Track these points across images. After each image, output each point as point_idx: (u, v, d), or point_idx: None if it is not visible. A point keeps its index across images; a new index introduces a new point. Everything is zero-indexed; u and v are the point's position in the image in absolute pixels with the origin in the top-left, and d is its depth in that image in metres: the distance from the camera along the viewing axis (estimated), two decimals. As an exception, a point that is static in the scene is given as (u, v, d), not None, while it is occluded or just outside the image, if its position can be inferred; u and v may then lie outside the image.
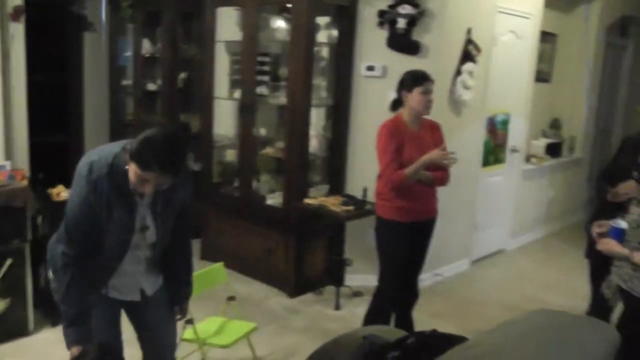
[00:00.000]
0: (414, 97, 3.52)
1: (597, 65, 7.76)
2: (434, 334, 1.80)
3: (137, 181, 2.19)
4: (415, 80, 3.53)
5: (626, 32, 8.73)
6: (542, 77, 6.92)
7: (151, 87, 6.20)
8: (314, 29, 4.57)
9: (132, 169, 2.17)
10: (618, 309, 3.24)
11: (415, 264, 3.78)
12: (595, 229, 2.84)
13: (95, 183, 2.24)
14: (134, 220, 2.35)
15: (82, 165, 2.29)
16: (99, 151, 2.33)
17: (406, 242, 3.61)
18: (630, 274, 2.69)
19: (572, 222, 7.86)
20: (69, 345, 2.29)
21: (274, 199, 4.89)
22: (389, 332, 2.19)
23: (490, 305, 5.01)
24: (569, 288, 5.55)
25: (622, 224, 2.72)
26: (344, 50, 4.84)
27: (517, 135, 6.32)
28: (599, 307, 3.55)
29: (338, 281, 4.70)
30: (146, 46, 6.12)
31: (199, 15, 5.48)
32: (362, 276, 4.98)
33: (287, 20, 4.86)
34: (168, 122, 5.70)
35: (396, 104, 3.66)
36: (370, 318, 3.78)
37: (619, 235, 2.70)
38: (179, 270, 2.63)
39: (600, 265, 3.50)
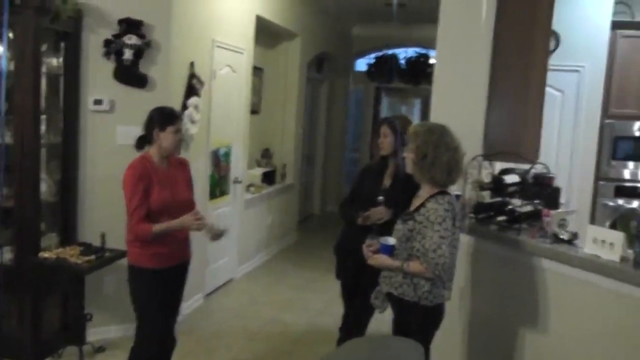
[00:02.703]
0: (166, 136, 3.39)
1: (300, 97, 8.39)
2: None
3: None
4: (167, 119, 3.41)
5: (322, 67, 9.66)
6: (253, 109, 7.25)
7: None
8: (40, 57, 4.12)
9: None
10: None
11: (173, 310, 3.63)
12: (366, 249, 3.05)
13: None
14: None
15: None
16: None
17: (163, 289, 3.46)
18: (400, 281, 2.95)
19: (289, 244, 8.37)
20: None
21: (2, 256, 4.23)
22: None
23: (235, 335, 5.04)
24: (302, 306, 5.88)
25: (391, 240, 2.98)
26: (69, 81, 4.45)
27: (239, 166, 6.52)
28: (351, 321, 3.82)
29: (80, 339, 4.26)
30: None
31: None
32: (103, 329, 4.66)
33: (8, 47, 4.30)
34: None
35: (142, 142, 3.49)
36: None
37: (389, 250, 2.96)
38: None
39: (351, 283, 3.78)
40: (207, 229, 3.47)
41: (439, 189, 2.94)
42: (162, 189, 3.39)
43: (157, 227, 3.32)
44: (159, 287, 3.44)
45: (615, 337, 2.80)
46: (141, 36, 4.48)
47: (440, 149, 2.91)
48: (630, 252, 2.74)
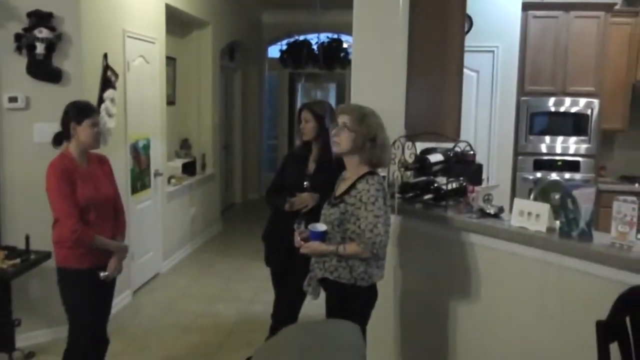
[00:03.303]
0: (84, 130, 3.27)
1: (214, 86, 8.29)
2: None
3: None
4: (83, 112, 3.29)
5: (234, 56, 9.55)
6: (169, 99, 7.12)
7: None
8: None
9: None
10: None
11: (104, 309, 3.53)
12: (297, 237, 3.06)
13: None
14: None
15: None
16: None
17: (93, 289, 3.36)
18: (335, 265, 2.98)
19: (214, 234, 8.30)
20: None
21: None
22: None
23: (166, 330, 4.97)
24: (232, 295, 5.86)
25: (320, 227, 2.99)
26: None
27: (158, 158, 6.39)
28: (284, 307, 3.84)
29: (9, 346, 4.08)
30: None
31: None
32: (32, 334, 4.50)
33: None
34: None
35: (60, 139, 3.36)
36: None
37: (321, 236, 2.97)
38: None
39: (281, 270, 3.80)
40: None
41: (368, 169, 2.99)
42: (85, 185, 3.28)
43: (98, 240, 3.30)
44: (89, 287, 3.34)
45: (543, 303, 2.95)
46: (52, 29, 4.31)
47: (384, 131, 2.99)
48: (557, 222, 2.88)
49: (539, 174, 5.94)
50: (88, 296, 3.35)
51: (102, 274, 3.35)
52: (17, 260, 3.81)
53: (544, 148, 6.06)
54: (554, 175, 5.78)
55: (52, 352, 4.32)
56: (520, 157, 6.03)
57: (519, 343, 3.08)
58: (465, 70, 4.31)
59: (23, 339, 4.39)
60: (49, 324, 4.55)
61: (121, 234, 3.57)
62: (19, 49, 4.29)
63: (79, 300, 3.35)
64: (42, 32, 4.23)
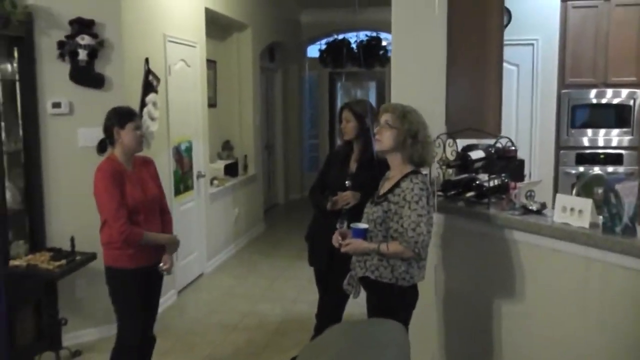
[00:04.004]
0: (127, 134, 3.37)
1: (255, 88, 8.36)
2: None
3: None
4: (125, 116, 3.41)
5: (274, 56, 9.61)
6: (210, 102, 7.20)
7: None
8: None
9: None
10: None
11: (152, 308, 3.62)
12: (338, 236, 3.07)
13: None
14: None
15: None
16: None
17: (141, 288, 3.45)
18: (376, 264, 2.97)
19: (257, 234, 8.36)
20: None
21: None
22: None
23: (211, 330, 5.03)
24: (276, 295, 5.90)
25: (362, 225, 3.00)
26: (25, 86, 4.34)
27: (200, 160, 6.47)
28: (328, 307, 3.84)
29: (56, 345, 4.21)
30: None
31: None
32: (78, 333, 4.60)
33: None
34: None
35: (104, 145, 3.46)
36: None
37: (362, 234, 2.97)
38: None
39: (324, 269, 3.81)
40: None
41: (412, 168, 2.98)
42: (133, 187, 3.39)
43: (147, 236, 3.38)
44: (139, 286, 3.44)
45: (587, 300, 2.88)
46: (94, 36, 4.41)
47: (427, 128, 2.99)
48: (600, 217, 2.81)
49: (581, 168, 5.80)
50: (136, 295, 3.44)
51: (161, 267, 3.48)
52: (63, 262, 3.92)
53: (586, 141, 5.92)
54: (596, 169, 5.63)
55: (97, 350, 4.44)
56: (562, 152, 5.90)
57: (562, 341, 3.02)
58: (505, 65, 4.25)
59: (70, 338, 4.50)
60: (94, 323, 4.67)
61: (169, 232, 3.67)
62: (61, 56, 4.40)
63: (127, 299, 3.44)
64: (85, 39, 4.33)
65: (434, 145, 3.09)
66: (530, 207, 3.19)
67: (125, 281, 3.41)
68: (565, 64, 5.78)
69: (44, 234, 4.48)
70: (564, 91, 5.81)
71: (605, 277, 2.78)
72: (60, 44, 4.38)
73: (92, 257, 4.04)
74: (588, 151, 5.90)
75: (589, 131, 5.91)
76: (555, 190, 5.50)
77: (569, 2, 5.69)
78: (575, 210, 2.88)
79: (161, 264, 3.49)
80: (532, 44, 5.65)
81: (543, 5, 5.53)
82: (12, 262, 3.93)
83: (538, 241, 3.08)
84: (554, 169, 5.86)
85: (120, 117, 3.39)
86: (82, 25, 4.38)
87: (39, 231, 4.45)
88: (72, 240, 4.07)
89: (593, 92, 5.84)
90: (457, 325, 3.70)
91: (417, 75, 4.00)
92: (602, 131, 5.89)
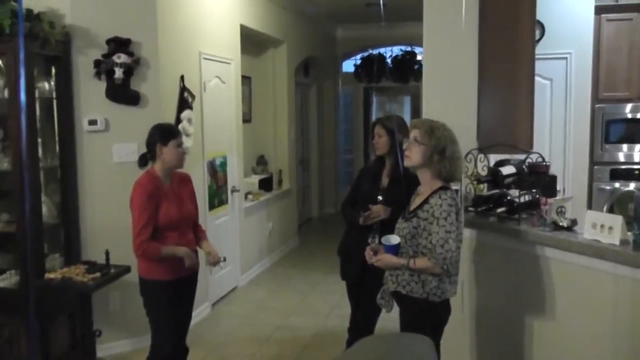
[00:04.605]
0: (170, 150, 3.47)
1: (290, 103, 8.43)
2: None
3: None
4: (169, 133, 3.52)
5: (309, 71, 9.69)
6: (244, 117, 7.28)
7: None
8: (33, 83, 4.14)
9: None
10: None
11: (185, 319, 3.68)
12: (370, 252, 3.09)
13: None
14: None
15: None
16: None
17: (174, 299, 3.53)
18: (407, 279, 2.99)
19: (291, 248, 8.40)
20: None
21: (7, 280, 4.22)
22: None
23: (244, 343, 5.07)
24: (309, 309, 5.91)
25: (394, 239, 3.01)
26: (62, 104, 4.47)
27: (235, 175, 6.55)
28: (360, 321, 3.85)
29: (90, 355, 4.29)
30: None
31: None
32: (112, 344, 4.69)
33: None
34: None
35: (144, 160, 3.56)
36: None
37: (393, 250, 3.00)
38: None
39: (356, 284, 3.82)
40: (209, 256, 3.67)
41: (442, 184, 2.98)
42: (169, 205, 3.48)
43: (165, 250, 3.43)
44: (172, 297, 3.51)
45: (617, 318, 2.84)
46: (130, 54, 4.52)
47: (456, 144, 2.98)
48: (630, 234, 2.77)
49: (616, 184, 5.67)
50: (170, 306, 3.52)
51: (209, 260, 3.64)
52: (98, 274, 4.00)
53: (621, 157, 5.78)
54: (632, 186, 5.51)
55: (132, 361, 4.52)
56: (596, 167, 5.77)
57: (593, 358, 2.97)
58: (537, 79, 4.22)
59: (104, 349, 4.59)
60: (128, 334, 4.75)
61: (205, 238, 3.79)
62: (98, 75, 4.51)
63: (160, 310, 3.51)
64: (121, 58, 4.44)
65: (463, 160, 3.09)
66: (560, 224, 3.16)
67: (158, 292, 3.49)
68: (599, 77, 5.67)
69: (79, 247, 4.59)
70: (598, 106, 5.71)
71: (636, 294, 2.73)
72: (97, 63, 4.49)
73: (127, 270, 4.12)
74: (623, 167, 5.76)
75: (624, 146, 5.78)
76: (589, 206, 5.40)
77: (602, 15, 5.60)
78: (605, 227, 2.84)
79: (210, 258, 3.60)
80: (566, 58, 5.56)
81: (576, 18, 5.45)
82: (48, 275, 4.02)
83: (568, 258, 3.04)
84: (588, 184, 5.75)
85: (163, 134, 3.49)
86: (119, 44, 4.49)
87: (74, 245, 4.56)
88: (107, 253, 4.16)
89: (628, 107, 5.72)
90: (487, 340, 3.66)
91: (449, 90, 4.01)
92: (638, 146, 5.75)
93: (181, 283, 3.54)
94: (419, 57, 10.26)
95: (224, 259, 3.75)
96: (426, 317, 3.00)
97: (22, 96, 3.00)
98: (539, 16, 4.11)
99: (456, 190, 3.52)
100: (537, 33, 4.93)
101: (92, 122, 4.57)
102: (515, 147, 3.68)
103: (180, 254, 3.49)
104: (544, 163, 3.56)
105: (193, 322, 5.19)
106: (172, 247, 3.47)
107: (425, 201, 2.96)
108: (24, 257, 4.11)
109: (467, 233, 3.59)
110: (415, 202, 3.07)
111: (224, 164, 6.26)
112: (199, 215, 3.80)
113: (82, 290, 4.06)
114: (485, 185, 3.78)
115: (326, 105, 10.85)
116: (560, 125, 5.66)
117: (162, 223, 3.43)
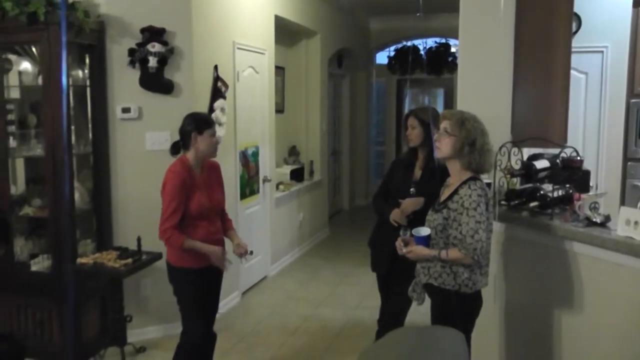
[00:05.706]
0: (204, 139, 3.49)
1: (322, 94, 8.43)
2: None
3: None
4: (204, 122, 3.54)
5: (342, 62, 9.67)
6: (277, 108, 7.31)
7: None
8: (67, 71, 4.21)
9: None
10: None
11: (213, 306, 3.72)
12: (401, 243, 3.08)
13: None
14: None
15: None
16: None
17: (203, 287, 3.57)
18: (439, 271, 2.99)
19: (321, 239, 8.42)
20: None
21: (39, 264, 4.35)
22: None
23: (273, 332, 5.11)
24: (338, 300, 5.93)
25: (424, 231, 3.01)
26: (96, 92, 4.55)
27: (267, 165, 6.59)
28: (390, 313, 3.85)
29: (121, 340, 4.38)
30: None
31: None
32: (142, 330, 4.77)
33: (34, 62, 4.41)
34: None
35: (177, 148, 3.59)
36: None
37: (424, 241, 2.99)
38: None
39: (386, 275, 3.82)
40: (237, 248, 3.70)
41: (471, 175, 2.96)
42: (200, 194, 3.50)
43: (188, 243, 3.44)
44: (202, 285, 3.55)
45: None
46: (164, 43, 4.56)
47: (486, 136, 2.96)
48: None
49: None
50: (200, 293, 3.55)
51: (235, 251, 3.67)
52: (129, 260, 4.07)
53: (656, 153, 5.66)
54: (666, 183, 5.39)
55: (162, 347, 4.59)
56: (630, 163, 5.64)
57: (623, 356, 2.93)
58: (573, 72, 4.15)
59: (134, 335, 4.66)
60: (159, 321, 4.82)
61: (232, 228, 3.82)
62: (132, 63, 4.57)
63: (189, 297, 3.55)
64: (155, 47, 4.48)
65: (493, 153, 3.06)
66: (593, 220, 3.11)
67: (187, 280, 3.53)
68: (635, 72, 5.51)
69: (110, 233, 4.67)
70: (633, 100, 5.55)
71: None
72: (131, 52, 4.55)
73: (158, 256, 4.18)
74: (658, 164, 5.64)
75: (659, 143, 5.65)
76: (622, 202, 5.29)
77: (640, 8, 5.47)
78: (639, 224, 2.79)
79: (238, 249, 3.65)
80: (602, 51, 5.44)
81: (613, 11, 5.32)
82: (80, 260, 4.11)
83: (600, 254, 3.00)
84: (621, 181, 5.63)
85: (199, 123, 3.51)
86: (153, 33, 4.54)
87: (106, 231, 4.64)
88: (139, 240, 4.22)
89: (664, 102, 5.59)
90: (517, 335, 3.64)
91: (483, 83, 3.97)
92: (673, 143, 5.63)
93: (210, 271, 3.57)
94: (453, 49, 10.18)
95: (251, 252, 3.77)
96: (458, 309, 2.98)
97: (64, 80, 3.07)
98: (576, 8, 4.04)
99: (489, 184, 3.50)
100: (574, 25, 4.83)
101: (126, 110, 4.63)
102: (549, 141, 3.63)
103: (204, 251, 3.49)
104: (578, 158, 3.50)
105: (222, 310, 5.28)
106: (198, 242, 3.47)
107: (455, 192, 2.96)
108: (57, 241, 4.21)
109: (498, 227, 3.56)
110: (445, 193, 3.07)
111: (256, 154, 6.29)
112: (226, 204, 3.81)
113: (114, 275, 4.14)
114: (518, 179, 3.73)
115: (359, 97, 10.82)
116: (594, 120, 5.56)
117: (194, 212, 3.46)
